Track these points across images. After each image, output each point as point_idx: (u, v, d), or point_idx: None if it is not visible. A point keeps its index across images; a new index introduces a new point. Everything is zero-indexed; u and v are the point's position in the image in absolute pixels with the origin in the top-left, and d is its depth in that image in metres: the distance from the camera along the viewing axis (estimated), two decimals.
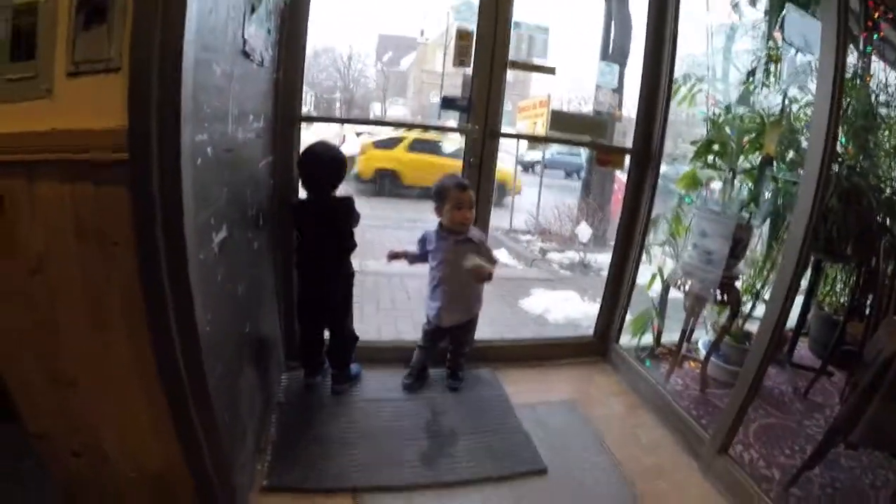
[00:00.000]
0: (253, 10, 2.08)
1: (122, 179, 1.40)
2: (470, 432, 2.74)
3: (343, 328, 2.92)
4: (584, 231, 7.90)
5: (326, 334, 2.95)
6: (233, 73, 1.88)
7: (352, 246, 2.80)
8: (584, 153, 11.48)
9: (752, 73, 3.47)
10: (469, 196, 2.84)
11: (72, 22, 1.41)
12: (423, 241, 3.01)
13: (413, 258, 3.06)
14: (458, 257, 2.84)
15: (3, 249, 1.47)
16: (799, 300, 3.50)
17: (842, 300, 4.02)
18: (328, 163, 2.70)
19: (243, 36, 1.98)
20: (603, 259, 7.64)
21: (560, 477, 2.50)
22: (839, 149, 3.37)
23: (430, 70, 27.45)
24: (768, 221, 3.47)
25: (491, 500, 2.33)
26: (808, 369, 3.62)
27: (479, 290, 3.05)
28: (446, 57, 25.61)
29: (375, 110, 27.96)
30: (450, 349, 3.17)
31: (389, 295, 5.30)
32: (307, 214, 2.73)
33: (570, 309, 5.36)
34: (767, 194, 3.43)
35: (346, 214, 2.72)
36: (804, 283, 3.63)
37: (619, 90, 3.74)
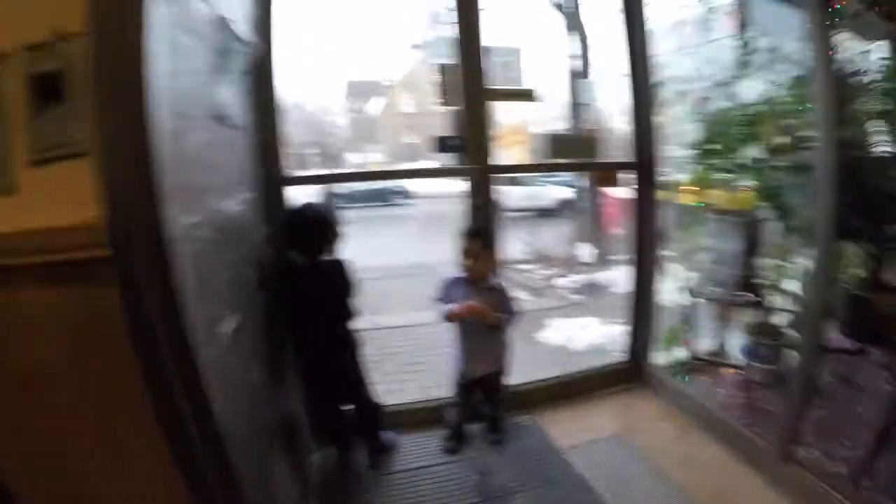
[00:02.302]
0: (224, 71, 1.86)
1: (111, 277, 1.19)
2: (523, 488, 2.52)
3: (362, 399, 2.69)
4: (586, 251, 7.66)
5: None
6: (212, 141, 1.66)
7: (352, 313, 2.56)
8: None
9: (735, 64, 3.32)
10: (474, 245, 2.68)
11: (26, 102, 1.21)
12: (447, 286, 2.79)
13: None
14: (482, 304, 2.66)
15: None
16: None
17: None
18: (312, 225, 2.48)
19: (218, 100, 1.76)
20: (609, 276, 7.43)
21: None
22: None
23: (400, 112, 27.47)
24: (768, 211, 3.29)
25: None
26: (844, 352, 3.39)
27: (502, 338, 2.86)
28: (417, 96, 25.71)
29: (352, 160, 27.81)
30: (485, 401, 2.96)
31: (406, 348, 5.03)
32: (298, 282, 2.46)
33: (590, 335, 5.15)
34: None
35: (340, 279, 2.49)
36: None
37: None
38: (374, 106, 30.29)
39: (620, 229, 8.64)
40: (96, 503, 1.37)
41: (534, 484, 2.53)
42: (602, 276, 7.58)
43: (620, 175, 3.28)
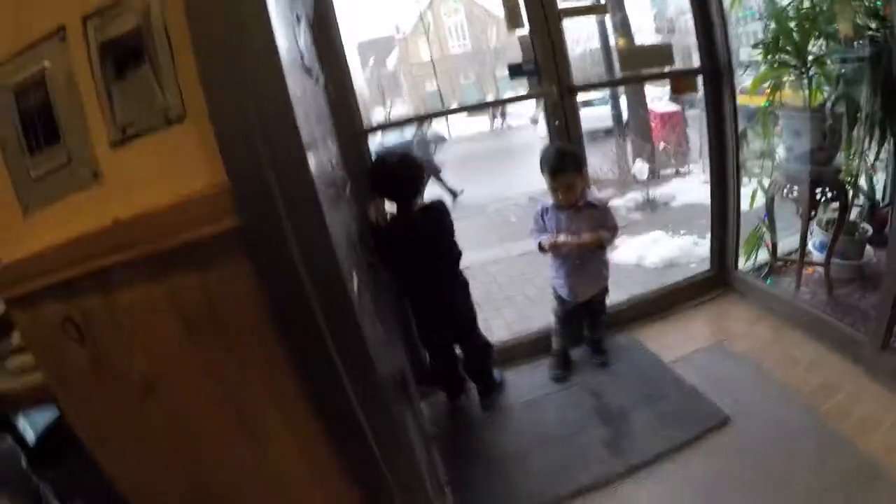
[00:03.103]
0: (299, 20, 1.62)
1: (234, 254, 0.96)
2: (640, 405, 2.39)
3: (475, 339, 2.52)
4: (641, 169, 7.27)
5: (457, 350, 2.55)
6: (305, 91, 1.40)
7: (458, 253, 2.35)
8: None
9: None
10: (562, 180, 2.39)
11: (97, 75, 0.96)
12: (539, 215, 2.56)
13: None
14: (580, 227, 2.43)
15: (96, 383, 1.06)
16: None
17: None
18: (399, 171, 2.23)
19: (299, 49, 1.51)
20: (665, 191, 7.15)
21: (743, 421, 2.18)
22: None
23: (418, 62, 26.73)
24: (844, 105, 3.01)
25: (688, 468, 2.02)
26: None
27: (604, 258, 2.63)
28: (430, 44, 24.98)
29: (378, 116, 27.34)
30: (588, 324, 2.78)
31: (482, 287, 4.85)
32: (397, 233, 2.25)
33: (662, 249, 4.94)
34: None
35: (439, 221, 2.27)
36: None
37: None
38: (390, 61, 29.57)
39: (669, 142, 8.27)
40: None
41: (649, 399, 2.41)
42: (659, 190, 7.28)
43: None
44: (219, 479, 1.17)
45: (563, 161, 2.40)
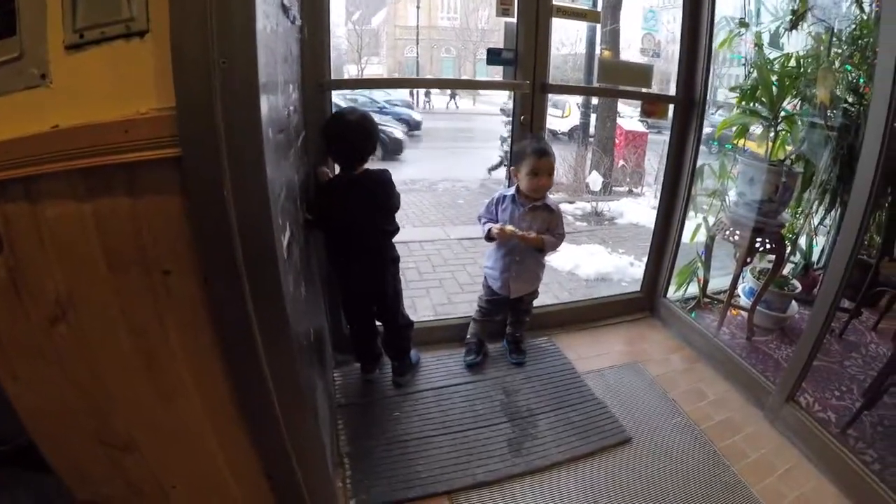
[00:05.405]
0: None
1: (170, 185, 0.94)
2: (548, 409, 2.44)
3: (397, 316, 2.48)
4: (596, 180, 7.37)
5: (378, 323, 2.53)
6: (278, 30, 1.35)
7: (394, 228, 2.30)
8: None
9: (794, 13, 3.08)
10: (548, 163, 2.41)
11: None
12: (494, 203, 2.57)
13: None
14: (533, 224, 2.47)
15: (8, 296, 1.01)
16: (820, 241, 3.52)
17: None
18: (354, 129, 2.14)
19: None
20: (614, 207, 7.30)
21: (644, 444, 2.27)
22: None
23: (404, 25, 26.27)
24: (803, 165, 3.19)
25: (586, 480, 2.06)
26: (842, 310, 3.34)
27: (542, 260, 2.66)
28: (419, 11, 24.59)
29: (350, 71, 26.73)
30: (510, 321, 2.82)
31: (414, 265, 4.77)
32: (336, 194, 2.17)
33: (598, 263, 5.02)
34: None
35: (383, 191, 2.20)
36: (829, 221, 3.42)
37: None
38: (377, 19, 28.94)
39: (628, 161, 8.42)
40: (131, 443, 1.18)
41: (557, 407, 2.45)
42: (608, 205, 7.38)
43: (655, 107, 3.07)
44: (123, 421, 1.15)
45: (547, 150, 2.42)
